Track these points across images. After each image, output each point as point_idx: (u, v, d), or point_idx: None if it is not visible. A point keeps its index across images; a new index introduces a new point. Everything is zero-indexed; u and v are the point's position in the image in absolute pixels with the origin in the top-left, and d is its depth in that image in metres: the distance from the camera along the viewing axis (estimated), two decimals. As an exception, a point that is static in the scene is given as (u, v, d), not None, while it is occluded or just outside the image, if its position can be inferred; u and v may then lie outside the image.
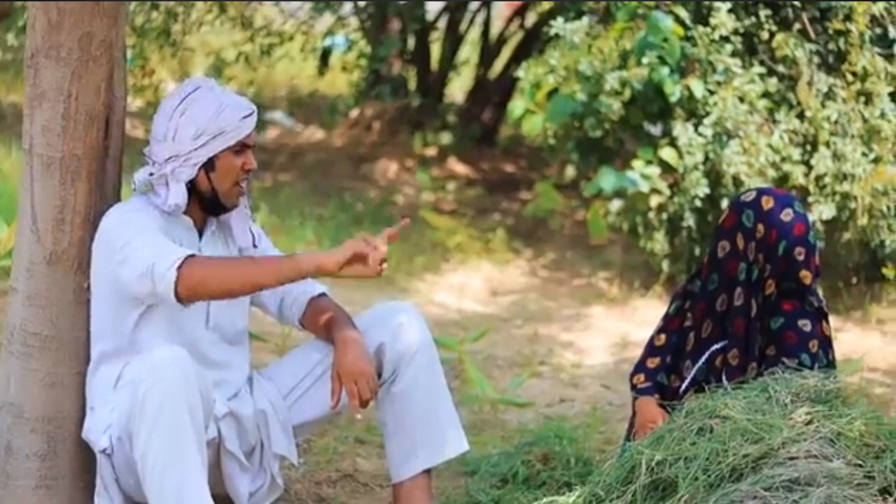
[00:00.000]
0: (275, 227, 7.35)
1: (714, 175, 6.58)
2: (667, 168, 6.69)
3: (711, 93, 6.55)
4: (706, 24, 6.60)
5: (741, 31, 6.61)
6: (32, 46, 3.30)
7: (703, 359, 3.69)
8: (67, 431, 3.39)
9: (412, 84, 10.52)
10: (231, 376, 3.42)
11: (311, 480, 4.07)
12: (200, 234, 3.42)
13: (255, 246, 3.52)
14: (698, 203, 6.59)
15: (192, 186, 3.33)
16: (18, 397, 3.39)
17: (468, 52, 11.56)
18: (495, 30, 10.91)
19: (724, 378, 3.58)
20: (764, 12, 6.60)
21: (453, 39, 10.69)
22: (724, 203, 6.34)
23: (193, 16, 9.87)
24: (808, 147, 6.53)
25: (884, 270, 6.53)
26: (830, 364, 3.59)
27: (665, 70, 6.53)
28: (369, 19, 10.30)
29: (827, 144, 6.42)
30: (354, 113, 10.71)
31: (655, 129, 6.81)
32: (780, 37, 6.52)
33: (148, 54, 9.70)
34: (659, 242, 6.86)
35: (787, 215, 3.57)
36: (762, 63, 6.64)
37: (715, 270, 3.70)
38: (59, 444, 3.39)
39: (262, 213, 7.66)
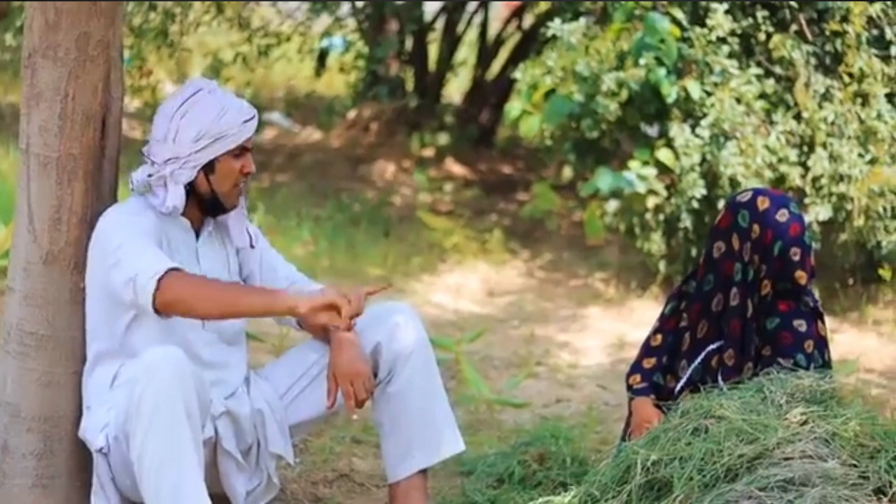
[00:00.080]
0: (272, 227, 7.36)
1: (711, 176, 6.59)
2: (663, 169, 6.69)
3: (708, 94, 6.56)
4: (703, 25, 6.61)
5: (738, 32, 6.62)
6: (30, 46, 3.31)
7: (698, 359, 3.69)
8: (64, 431, 3.40)
9: (410, 85, 10.53)
10: (228, 376, 3.42)
11: (307, 480, 4.07)
12: (197, 235, 3.43)
13: (252, 246, 3.52)
14: (695, 204, 6.60)
15: (190, 188, 3.34)
16: (15, 396, 3.39)
17: (466, 53, 11.57)
18: (493, 31, 10.92)
19: (719, 378, 3.59)
20: (761, 13, 6.61)
21: (451, 40, 10.70)
22: (721, 204, 6.35)
23: (191, 16, 9.88)
24: (805, 148, 6.54)
25: (880, 271, 6.54)
26: (826, 364, 3.59)
27: (662, 71, 6.54)
28: (367, 20, 10.31)
29: (824, 146, 6.42)
30: (352, 114, 10.72)
31: (652, 130, 6.82)
32: (776, 38, 6.53)
33: (145, 55, 9.71)
34: (655, 243, 6.87)
35: (782, 216, 3.58)
36: (759, 64, 6.64)
37: (711, 271, 3.70)
38: (55, 443, 3.40)
39: (260, 213, 7.67)
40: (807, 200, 6.42)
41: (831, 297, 6.53)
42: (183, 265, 3.35)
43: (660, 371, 3.78)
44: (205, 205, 3.39)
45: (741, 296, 3.62)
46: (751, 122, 6.51)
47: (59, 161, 3.30)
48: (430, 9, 10.61)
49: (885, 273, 6.51)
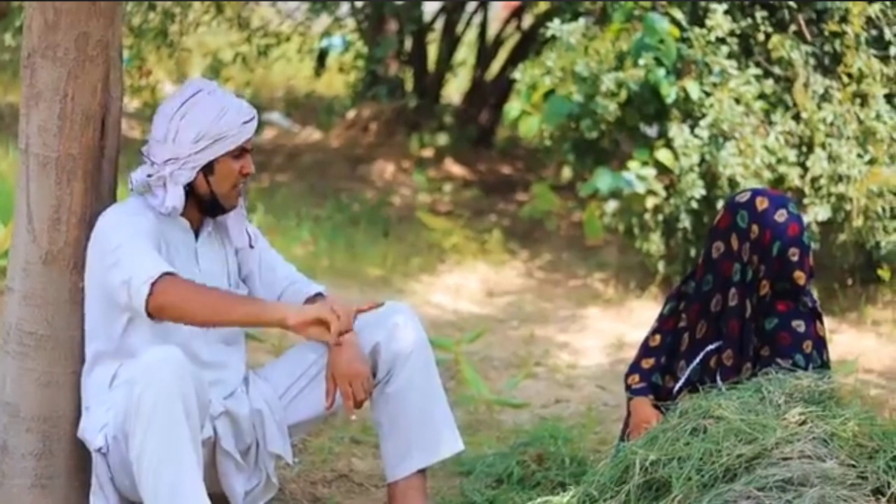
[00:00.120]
0: (271, 227, 7.36)
1: (710, 176, 6.59)
2: (663, 169, 6.70)
3: (707, 94, 6.56)
4: (702, 25, 6.61)
5: (737, 32, 6.62)
6: (29, 46, 3.31)
7: (697, 359, 3.70)
8: (63, 431, 3.40)
9: (409, 85, 10.54)
10: (227, 376, 3.43)
11: (306, 480, 4.07)
12: (197, 235, 3.43)
13: (251, 246, 3.53)
14: (694, 204, 6.60)
15: (189, 189, 3.34)
16: (14, 396, 3.39)
17: (465, 53, 11.57)
18: (492, 31, 10.92)
19: (718, 379, 3.59)
20: (760, 14, 6.61)
21: (450, 41, 10.71)
22: (720, 204, 6.35)
23: (190, 16, 9.89)
24: (804, 149, 6.55)
25: (879, 272, 6.54)
26: (824, 365, 3.59)
27: (661, 71, 6.54)
28: (366, 20, 10.31)
29: (822, 146, 6.43)
30: (351, 114, 10.72)
31: (651, 131, 6.82)
32: (776, 38, 6.53)
33: (145, 55, 9.72)
34: (655, 243, 6.87)
35: (781, 216, 3.58)
36: (758, 65, 6.65)
37: (709, 271, 3.71)
38: (54, 443, 3.40)
39: (259, 213, 7.67)
40: (806, 201, 6.43)
41: (830, 298, 6.53)
42: (182, 265, 3.36)
43: (658, 371, 3.78)
44: (204, 205, 3.39)
45: (740, 296, 3.63)
46: (750, 122, 6.52)
47: (59, 161, 3.31)
48: (429, 9, 10.62)
49: (883, 273, 6.52)
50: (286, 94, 12.58)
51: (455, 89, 11.86)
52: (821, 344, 3.62)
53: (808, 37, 6.57)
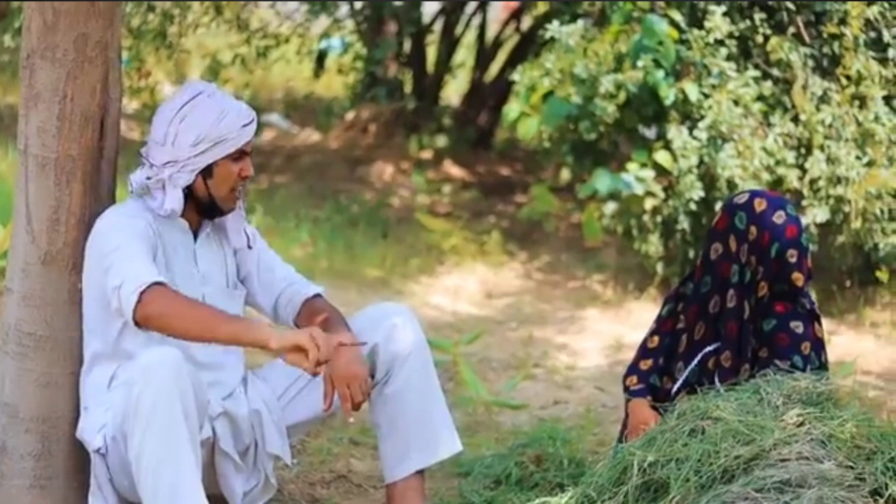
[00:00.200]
0: (270, 228, 7.37)
1: (708, 178, 6.59)
2: (661, 171, 6.70)
3: (706, 96, 6.56)
4: (701, 27, 6.61)
5: (736, 34, 6.62)
6: (28, 47, 3.31)
7: (695, 361, 3.70)
8: (62, 431, 3.40)
9: (408, 87, 10.54)
10: (225, 377, 3.43)
11: (304, 481, 4.08)
12: (195, 237, 3.44)
13: (249, 247, 3.53)
14: (693, 206, 6.61)
15: (188, 191, 3.35)
16: (13, 397, 3.40)
17: (464, 55, 11.58)
18: (491, 33, 10.93)
19: (716, 380, 3.59)
20: (759, 16, 6.61)
21: (449, 42, 10.71)
22: (719, 206, 6.35)
23: (189, 18, 9.89)
24: (803, 150, 6.55)
25: (877, 274, 6.54)
26: (823, 366, 3.60)
27: (660, 73, 6.54)
28: (365, 22, 10.31)
29: (821, 148, 6.43)
30: (350, 115, 10.73)
31: (650, 132, 6.82)
32: (774, 40, 6.53)
33: (144, 56, 9.73)
34: (653, 245, 6.87)
35: (779, 217, 3.58)
36: (757, 66, 6.65)
37: (707, 272, 3.71)
38: (53, 443, 3.40)
39: (258, 214, 7.68)
40: (804, 202, 6.43)
41: (829, 299, 6.54)
42: (181, 267, 3.37)
43: (657, 373, 3.79)
44: (202, 208, 3.40)
45: (738, 297, 3.63)
46: (748, 124, 6.52)
47: (58, 162, 3.31)
48: (428, 10, 10.63)
49: (882, 275, 6.52)
50: (285, 95, 12.59)
51: (454, 91, 11.87)
52: (819, 345, 3.62)
53: (807, 39, 6.57)
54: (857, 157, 6.37)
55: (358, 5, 10.23)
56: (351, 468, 4.25)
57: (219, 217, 3.45)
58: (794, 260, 3.57)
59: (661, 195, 6.73)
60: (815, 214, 6.39)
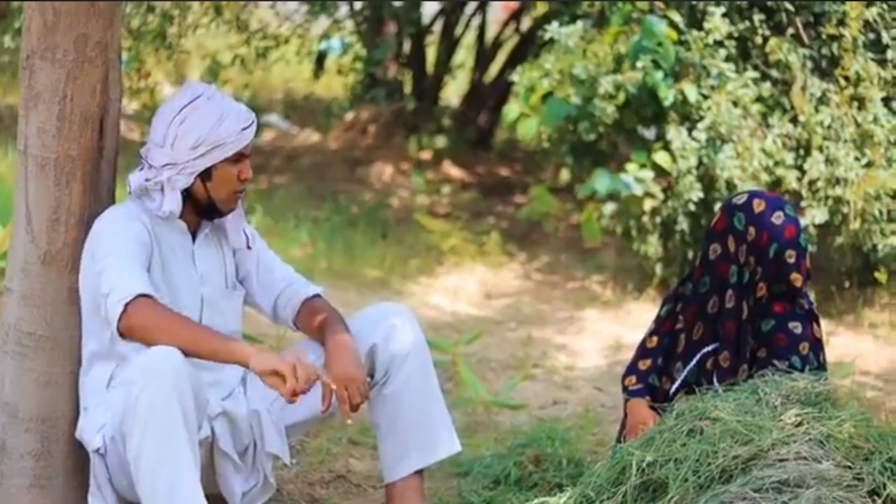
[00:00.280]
0: (269, 229, 7.37)
1: (707, 179, 6.60)
2: (660, 172, 6.71)
3: (705, 97, 6.57)
4: (700, 28, 6.62)
5: (735, 35, 6.63)
6: (28, 48, 3.32)
7: (693, 361, 3.70)
8: (61, 431, 3.40)
9: (407, 87, 10.55)
10: (225, 377, 3.43)
11: (304, 481, 4.08)
12: (194, 238, 3.44)
13: (248, 247, 3.53)
14: (692, 207, 6.61)
15: (187, 193, 3.35)
16: (13, 397, 3.40)
17: (464, 55, 11.58)
18: (491, 34, 10.93)
19: (714, 380, 3.60)
20: (758, 17, 6.62)
21: (449, 43, 10.72)
22: (718, 207, 6.36)
23: (189, 18, 9.90)
24: (802, 151, 6.56)
25: (876, 275, 6.55)
26: (821, 366, 3.60)
27: (659, 74, 6.55)
28: (365, 22, 10.32)
29: (820, 149, 6.44)
30: (350, 116, 10.73)
31: (649, 133, 6.83)
32: (773, 41, 6.54)
33: (144, 57, 9.73)
34: (652, 246, 6.88)
35: (778, 218, 3.59)
36: (756, 67, 6.66)
37: (706, 273, 3.71)
38: (53, 443, 3.40)
39: (258, 215, 7.68)
40: (803, 203, 6.44)
41: (827, 300, 6.54)
42: (179, 268, 3.37)
43: (655, 373, 3.79)
44: (201, 209, 3.40)
45: (736, 298, 3.64)
46: (747, 125, 6.53)
47: (57, 162, 3.31)
48: (428, 11, 10.63)
49: (881, 276, 6.53)
50: (285, 96, 12.60)
51: (454, 91, 11.87)
52: (817, 346, 3.62)
53: (806, 40, 6.58)
54: (856, 159, 6.37)
55: (357, 6, 10.24)
56: (350, 468, 4.25)
57: (218, 218, 3.45)
58: (792, 260, 3.58)
59: (661, 196, 6.73)
60: (814, 215, 6.40)
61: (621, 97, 6.69)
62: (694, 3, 6.74)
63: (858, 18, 6.38)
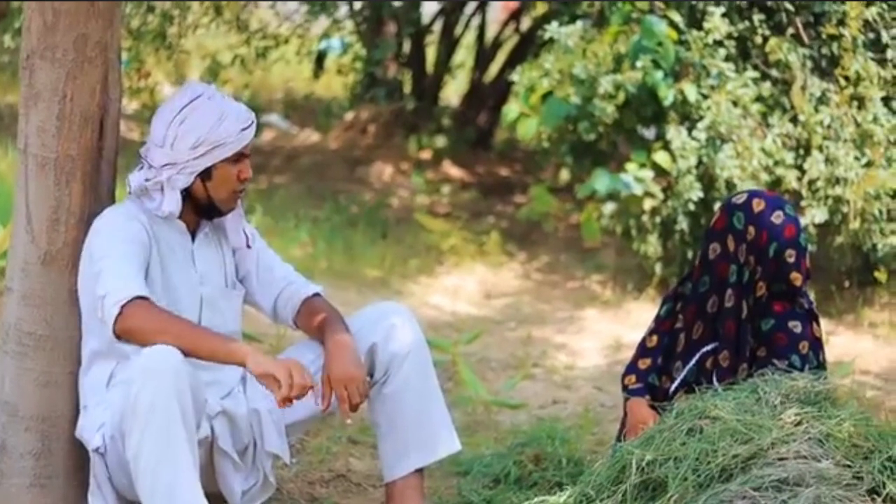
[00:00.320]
0: (270, 228, 7.37)
1: (707, 179, 6.60)
2: (660, 171, 6.71)
3: (705, 97, 6.57)
4: (700, 28, 6.62)
5: (735, 35, 6.63)
6: (28, 48, 3.32)
7: (693, 360, 3.71)
8: (61, 430, 3.41)
9: (407, 87, 10.55)
10: (224, 376, 3.43)
11: (304, 480, 4.08)
12: (193, 237, 3.44)
13: (248, 246, 3.53)
14: (691, 206, 6.61)
15: (186, 193, 3.35)
16: (13, 396, 3.41)
17: (463, 55, 11.58)
18: (490, 33, 10.93)
19: (714, 379, 3.60)
20: (757, 17, 6.62)
21: (449, 43, 10.72)
22: (717, 206, 6.36)
23: (189, 18, 9.90)
24: (801, 151, 6.56)
25: (876, 274, 6.55)
26: (821, 365, 3.60)
27: (659, 74, 6.55)
28: (365, 22, 10.32)
29: (820, 148, 6.44)
30: (350, 116, 10.73)
31: (649, 133, 6.83)
32: (773, 41, 6.54)
33: (144, 57, 9.73)
34: (652, 245, 6.88)
35: (777, 217, 3.59)
36: (756, 67, 6.66)
37: (706, 272, 3.72)
38: (53, 442, 3.41)
39: (258, 214, 7.68)
40: (803, 203, 6.44)
41: (827, 300, 6.54)
42: (178, 268, 3.38)
43: (655, 372, 3.79)
44: (201, 209, 3.40)
45: (736, 297, 3.64)
46: (747, 124, 6.53)
47: (57, 162, 3.32)
48: (427, 11, 10.63)
49: (880, 276, 6.53)
50: (285, 96, 12.60)
51: (453, 91, 11.87)
52: (817, 345, 3.63)
53: (806, 40, 6.58)
54: (856, 158, 6.37)
55: (357, 6, 10.24)
56: (350, 467, 4.25)
57: (218, 218, 3.45)
58: (792, 260, 3.58)
59: (660, 195, 6.74)
60: (814, 215, 6.40)
61: (621, 97, 6.69)
62: (694, 2, 6.75)
63: (858, 18, 6.38)
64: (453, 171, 9.97)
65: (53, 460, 3.42)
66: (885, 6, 6.45)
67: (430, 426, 3.54)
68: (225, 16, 10.08)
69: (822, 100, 6.49)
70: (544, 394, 5.36)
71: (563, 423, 4.73)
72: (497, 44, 10.70)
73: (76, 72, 3.29)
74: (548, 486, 3.97)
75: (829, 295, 6.60)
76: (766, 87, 6.60)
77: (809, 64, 6.56)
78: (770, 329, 3.60)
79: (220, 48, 10.75)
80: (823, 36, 6.53)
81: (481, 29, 10.88)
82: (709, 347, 3.69)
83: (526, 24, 10.41)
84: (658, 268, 6.96)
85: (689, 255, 6.76)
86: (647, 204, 6.75)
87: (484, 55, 10.72)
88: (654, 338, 3.84)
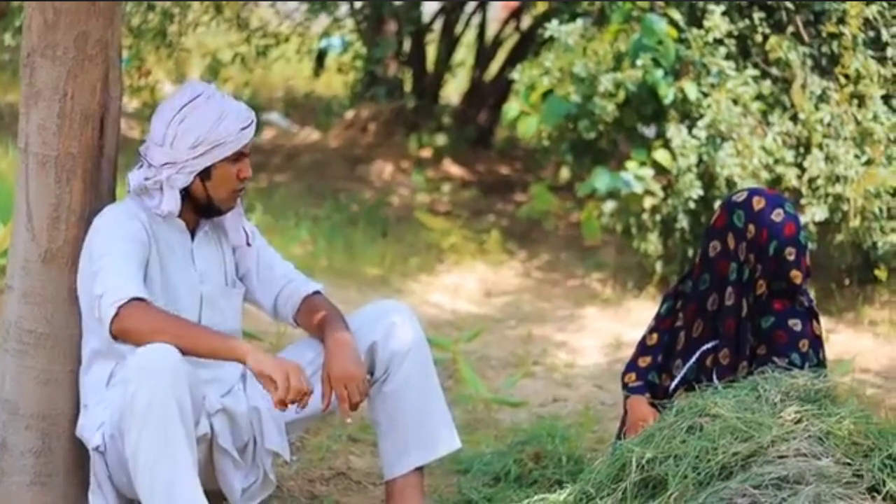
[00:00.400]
0: (270, 227, 7.37)
1: (707, 177, 6.60)
2: (660, 170, 6.71)
3: (705, 95, 6.57)
4: (700, 26, 6.63)
5: (735, 33, 6.63)
6: (29, 46, 3.32)
7: (693, 358, 3.71)
8: (62, 428, 3.41)
9: (408, 86, 10.55)
10: (224, 373, 3.43)
11: (304, 478, 4.09)
12: (193, 236, 3.44)
13: (248, 244, 3.53)
14: (692, 205, 6.62)
15: (186, 192, 3.35)
16: (14, 394, 3.41)
17: (464, 54, 11.59)
18: (491, 32, 10.93)
19: (714, 377, 3.60)
20: (758, 15, 6.62)
21: (449, 41, 10.72)
22: (718, 204, 6.36)
23: (189, 17, 9.90)
24: (802, 149, 6.56)
25: (876, 272, 6.55)
26: (821, 363, 3.60)
27: (659, 72, 6.55)
28: (365, 21, 10.32)
29: (820, 147, 6.44)
30: (350, 114, 10.73)
31: (649, 131, 6.84)
32: (773, 39, 6.54)
33: (144, 55, 9.73)
34: (652, 243, 6.88)
35: (777, 215, 3.59)
36: (756, 66, 6.66)
37: (706, 270, 3.72)
38: (53, 440, 3.41)
39: (258, 213, 7.69)
40: (803, 201, 6.44)
41: (827, 298, 6.55)
42: (178, 266, 3.38)
43: (655, 370, 3.80)
44: (200, 208, 3.40)
45: (736, 295, 3.64)
46: (747, 123, 6.53)
47: (58, 160, 3.32)
48: (428, 10, 10.63)
49: (881, 274, 6.53)
50: (285, 94, 12.60)
51: (454, 90, 11.87)
52: (817, 343, 3.63)
53: (806, 38, 6.58)
54: (856, 156, 6.38)
55: (358, 4, 10.24)
56: (350, 465, 4.26)
57: (217, 217, 3.46)
58: (792, 258, 3.58)
59: (661, 194, 6.74)
60: (814, 213, 6.41)
61: (621, 95, 6.69)
62: (694, 1, 6.75)
63: (858, 16, 6.38)
64: (454, 169, 9.98)
65: (54, 458, 3.42)
66: (885, 4, 6.45)
67: (430, 424, 3.55)
68: (225, 14, 10.08)
69: (823, 98, 6.50)
70: (544, 392, 5.36)
71: (564, 421, 4.73)
72: (497, 42, 10.70)
73: (77, 70, 3.29)
74: (548, 484, 3.98)
75: (829, 293, 6.61)
76: (767, 86, 6.61)
77: (809, 62, 6.56)
78: (770, 327, 3.60)
79: (220, 46, 10.75)
80: (823, 34, 6.54)
81: (482, 27, 10.88)
82: (709, 345, 3.69)
83: (526, 22, 10.41)
84: (658, 266, 6.96)
85: (690, 253, 6.76)
86: (648, 202, 6.75)
87: (484, 53, 10.73)
88: (655, 336, 3.84)
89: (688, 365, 3.71)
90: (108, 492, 3.29)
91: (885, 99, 6.43)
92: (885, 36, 6.46)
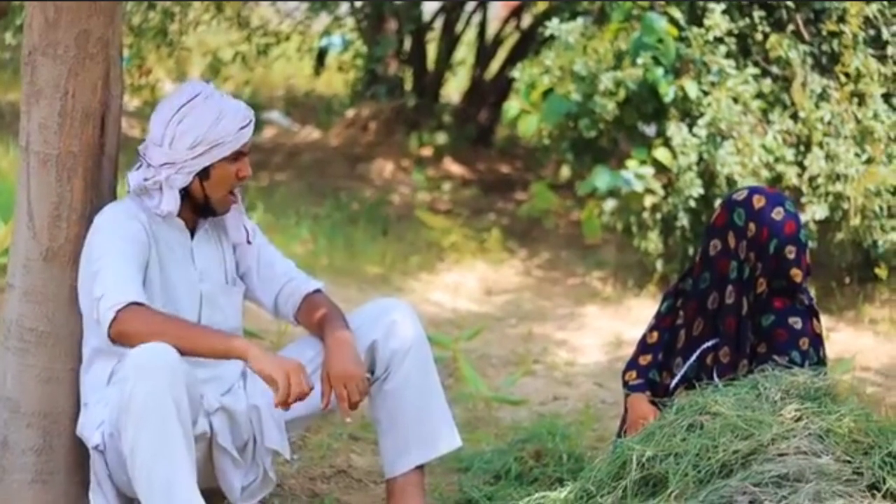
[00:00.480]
0: (270, 225, 7.37)
1: (708, 175, 6.61)
2: (661, 168, 6.71)
3: (705, 93, 6.58)
4: (700, 25, 6.63)
5: (735, 32, 6.64)
6: (30, 44, 3.32)
7: (694, 356, 3.71)
8: (63, 427, 3.41)
9: (408, 84, 10.55)
10: (224, 372, 3.44)
11: (305, 476, 4.09)
12: (193, 234, 3.44)
13: (248, 242, 3.53)
14: (692, 203, 6.62)
15: (185, 191, 3.36)
16: (15, 392, 3.41)
17: (464, 52, 11.58)
18: (491, 30, 10.93)
19: (714, 375, 3.61)
20: (758, 13, 6.63)
21: (449, 40, 10.71)
22: (718, 203, 6.36)
23: (190, 15, 9.90)
24: (802, 148, 6.56)
25: (876, 271, 6.56)
26: (821, 361, 3.61)
27: (659, 71, 6.55)
28: (366, 19, 10.32)
29: (820, 145, 6.44)
30: (350, 113, 10.73)
31: (650, 130, 6.84)
32: (773, 38, 6.55)
33: (145, 54, 9.74)
34: (653, 242, 6.88)
35: (778, 214, 3.60)
36: (756, 64, 6.66)
37: (706, 269, 3.72)
38: (54, 439, 3.41)
39: (258, 212, 7.68)
40: (803, 199, 6.44)
41: (828, 296, 6.55)
42: (178, 265, 3.38)
43: (655, 368, 3.80)
44: (197, 208, 3.41)
45: (737, 293, 3.64)
46: (748, 121, 6.53)
47: (59, 158, 3.32)
48: (428, 8, 10.63)
49: (881, 272, 6.53)
50: (286, 93, 12.60)
51: (454, 88, 11.87)
52: (817, 341, 3.63)
53: (806, 36, 6.58)
54: (856, 155, 6.38)
55: (358, 3, 10.24)
56: (351, 463, 4.26)
57: (213, 217, 3.46)
58: (792, 256, 3.59)
59: (661, 192, 6.74)
60: (814, 211, 6.41)
61: (622, 94, 6.69)
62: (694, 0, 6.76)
63: (859, 15, 6.38)
64: (454, 167, 9.98)
65: (55, 457, 3.43)
66: (885, 3, 6.45)
67: (430, 423, 3.55)
68: (226, 13, 10.09)
69: (823, 96, 6.50)
70: (545, 390, 5.37)
71: (564, 420, 4.74)
72: (498, 41, 10.69)
73: (78, 68, 3.30)
74: (548, 482, 3.98)
75: (829, 291, 6.61)
76: (767, 84, 6.61)
77: (810, 60, 6.56)
78: (770, 325, 3.61)
79: (221, 45, 10.76)
80: (824, 33, 6.54)
81: (482, 26, 10.88)
82: (709, 343, 3.69)
83: (527, 21, 10.41)
84: (659, 264, 6.97)
85: (690, 251, 6.76)
86: (648, 201, 6.75)
87: (485, 52, 10.72)
88: (655, 334, 3.85)
89: (688, 363, 3.72)
90: (108, 490, 3.29)
91: (886, 97, 6.43)
92: (885, 34, 6.47)
